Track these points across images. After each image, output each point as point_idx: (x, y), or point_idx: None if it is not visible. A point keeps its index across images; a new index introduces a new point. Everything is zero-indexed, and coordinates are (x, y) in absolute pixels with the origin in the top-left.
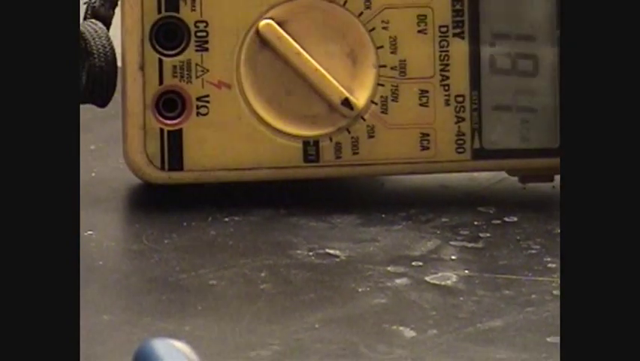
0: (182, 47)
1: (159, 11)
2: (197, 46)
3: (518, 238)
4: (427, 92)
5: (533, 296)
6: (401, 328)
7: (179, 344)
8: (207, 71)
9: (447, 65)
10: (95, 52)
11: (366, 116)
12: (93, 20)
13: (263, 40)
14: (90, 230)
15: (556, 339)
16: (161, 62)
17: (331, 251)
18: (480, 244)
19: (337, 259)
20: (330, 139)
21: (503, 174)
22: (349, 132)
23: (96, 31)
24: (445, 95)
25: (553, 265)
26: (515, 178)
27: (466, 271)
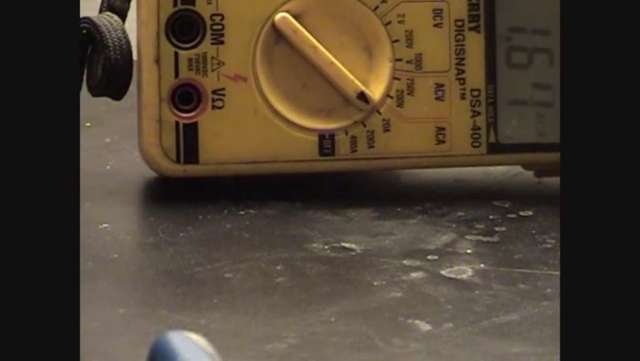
0: (197, 40)
1: (175, 4)
2: (212, 39)
3: (534, 232)
4: (442, 85)
5: (548, 290)
6: (417, 321)
7: (196, 337)
8: (223, 64)
9: (463, 58)
10: (110, 45)
11: (381, 110)
12: (109, 13)
13: (279, 34)
14: (105, 223)
15: None
16: (176, 55)
17: (347, 245)
18: (495, 238)
19: (353, 253)
20: (346, 133)
21: (518, 169)
22: (365, 126)
23: (112, 24)
24: (461, 89)
25: None
26: (530, 172)
27: (482, 265)
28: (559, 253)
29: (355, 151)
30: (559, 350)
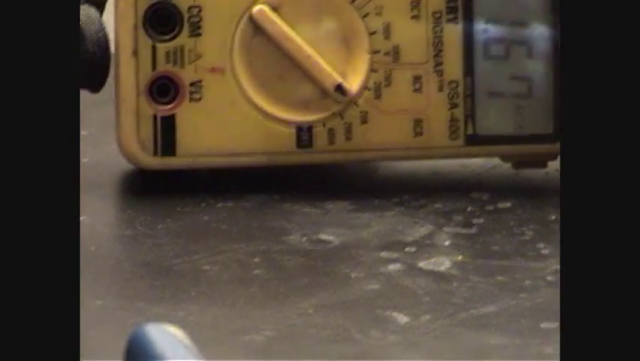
0: (175, 32)
1: None
2: (190, 31)
3: (512, 224)
4: (420, 77)
5: (527, 282)
6: (394, 313)
7: (173, 329)
8: (201, 56)
9: (440, 50)
10: (87, 37)
11: (359, 102)
12: (87, 5)
13: (256, 26)
14: (83, 216)
15: (550, 325)
16: (154, 47)
17: (324, 237)
18: (473, 230)
19: (330, 245)
20: (324, 125)
21: (496, 161)
22: (342, 118)
23: (89, 17)
24: (439, 81)
25: (547, 252)
26: (509, 164)
27: (460, 257)
28: (537, 244)
29: (333, 143)
30: (537, 342)
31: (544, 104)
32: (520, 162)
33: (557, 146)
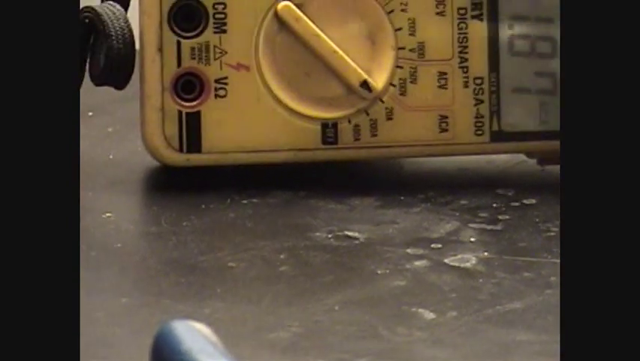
0: (200, 28)
1: None
2: (215, 28)
3: (537, 220)
4: (445, 74)
5: (552, 279)
6: (420, 310)
7: (199, 326)
8: (226, 53)
9: (465, 47)
10: (113, 34)
11: (384, 99)
12: (111, 2)
13: (281, 22)
14: (108, 212)
15: None
16: (179, 43)
17: (350, 233)
18: (499, 227)
19: (356, 242)
20: (349, 121)
21: (522, 157)
22: (368, 114)
23: (114, 13)
24: (464, 78)
25: None
26: (534, 161)
27: (485, 253)
28: None
29: (358, 140)
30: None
31: None
32: (545, 158)
33: None
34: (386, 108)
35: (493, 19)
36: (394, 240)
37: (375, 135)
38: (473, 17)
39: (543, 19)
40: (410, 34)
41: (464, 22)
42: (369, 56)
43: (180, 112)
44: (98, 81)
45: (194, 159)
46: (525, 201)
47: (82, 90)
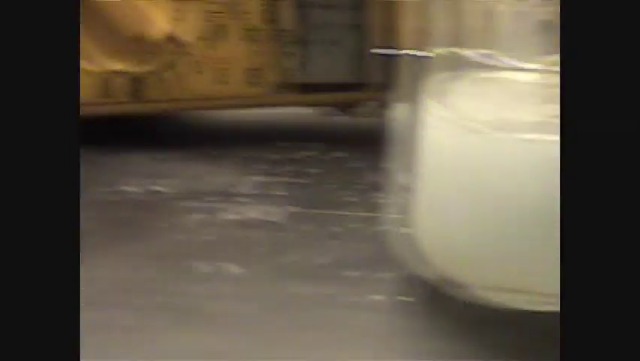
0: None
1: None
2: None
3: (347, 173)
4: (254, 28)
5: (363, 232)
6: (228, 264)
7: None
8: None
9: (273, 1)
10: None
11: (193, 53)
12: None
13: None
14: None
15: (384, 275)
16: None
17: (156, 188)
18: (308, 180)
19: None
20: (157, 75)
21: (330, 110)
22: (176, 68)
23: None
24: (273, 31)
25: (382, 201)
26: (344, 115)
27: (293, 207)
28: (372, 194)
29: (166, 93)
30: (373, 289)
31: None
32: (351, 110)
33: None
34: (195, 62)
35: None
36: (201, 193)
37: (185, 89)
38: None
39: None
40: None
41: None
42: (177, 11)
43: None
44: None
45: None
46: (335, 155)
47: None
